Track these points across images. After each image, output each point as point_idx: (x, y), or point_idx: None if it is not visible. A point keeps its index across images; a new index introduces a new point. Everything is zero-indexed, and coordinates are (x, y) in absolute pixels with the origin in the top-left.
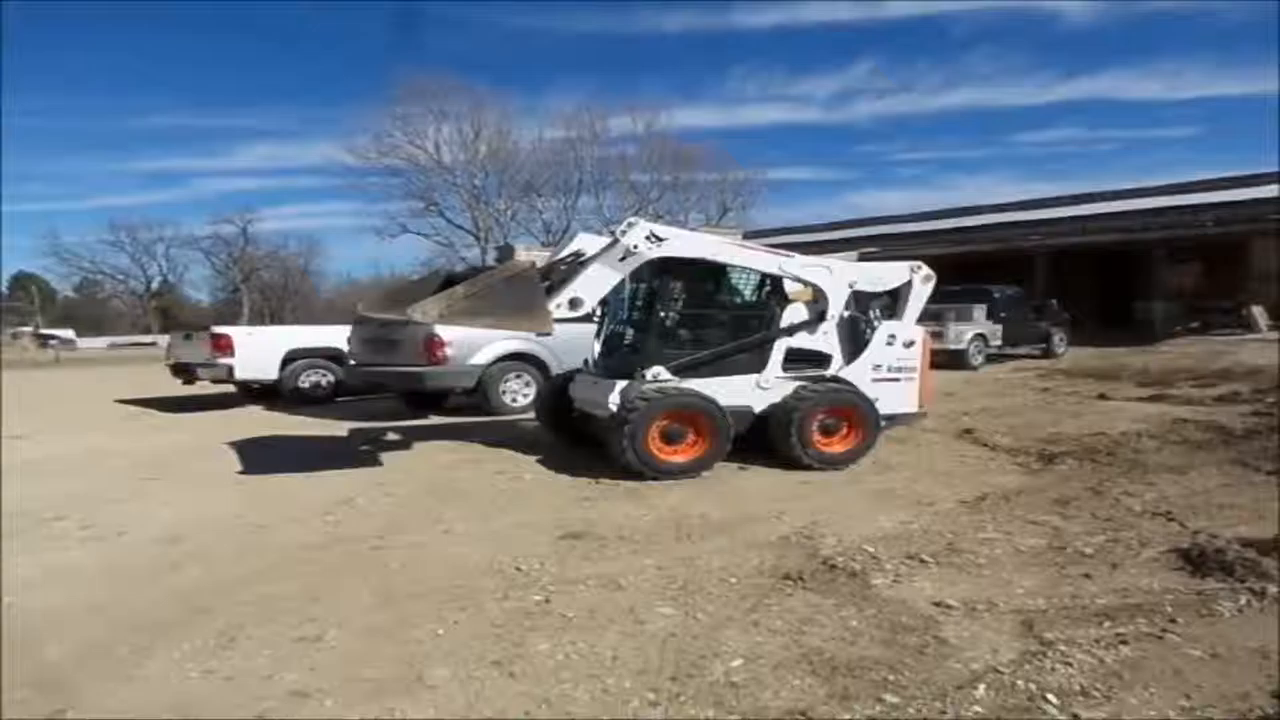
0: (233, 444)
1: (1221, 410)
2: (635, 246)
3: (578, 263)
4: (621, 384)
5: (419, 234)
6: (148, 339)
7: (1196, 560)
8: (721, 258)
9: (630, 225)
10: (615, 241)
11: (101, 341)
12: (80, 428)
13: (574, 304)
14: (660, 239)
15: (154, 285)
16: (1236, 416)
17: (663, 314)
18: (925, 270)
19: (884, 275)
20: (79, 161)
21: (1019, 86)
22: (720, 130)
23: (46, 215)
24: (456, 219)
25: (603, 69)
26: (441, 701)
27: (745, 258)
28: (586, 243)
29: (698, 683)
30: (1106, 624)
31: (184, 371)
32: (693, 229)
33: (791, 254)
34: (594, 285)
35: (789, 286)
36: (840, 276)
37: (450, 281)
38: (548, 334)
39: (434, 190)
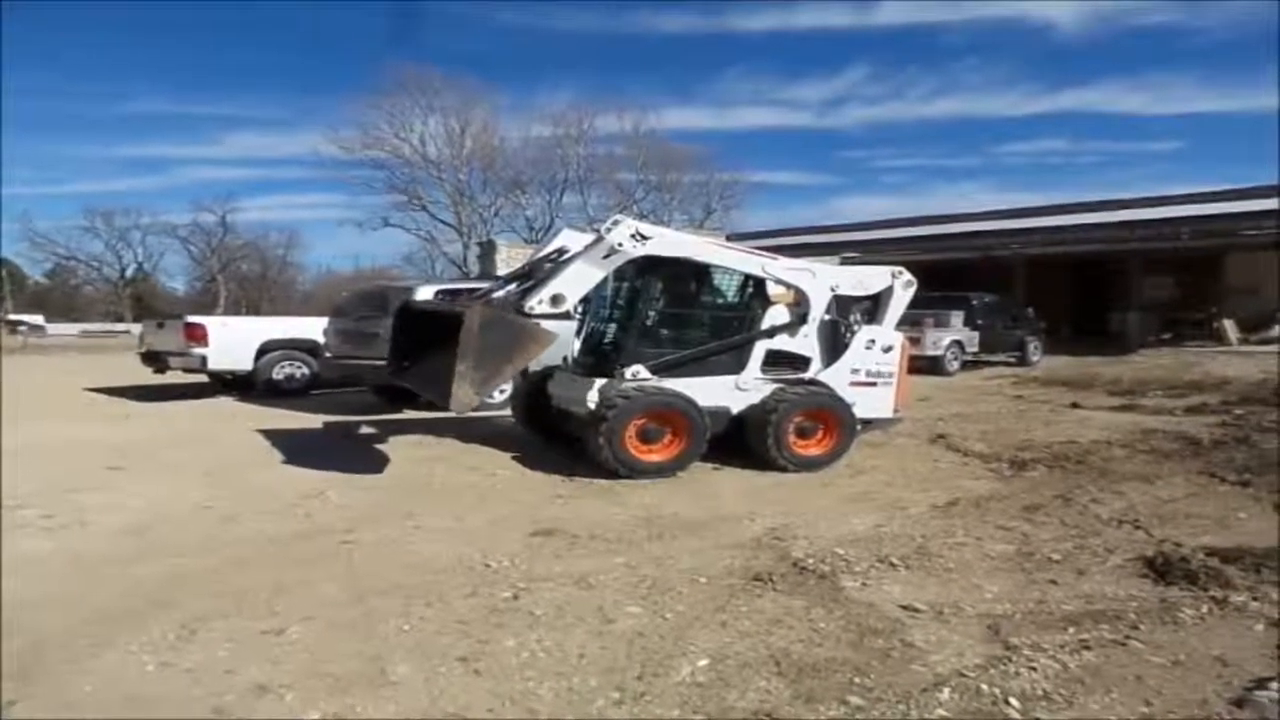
0: (203, 435)
1: (1190, 421)
2: (620, 244)
3: (561, 260)
4: (600, 382)
5: (401, 228)
6: (120, 327)
7: (1161, 568)
8: (706, 258)
9: (615, 223)
10: (600, 239)
11: (73, 328)
12: (45, 416)
13: (556, 301)
14: (645, 237)
15: (129, 272)
16: (1205, 427)
17: (644, 313)
18: (906, 276)
19: (866, 280)
20: (56, 145)
21: (1005, 97)
22: (709, 132)
23: (19, 199)
24: (440, 214)
25: (596, 68)
26: (404, 698)
27: (729, 258)
28: (570, 239)
29: (664, 682)
30: (1071, 630)
31: (156, 360)
32: (677, 230)
33: (775, 256)
34: (577, 282)
35: (771, 289)
36: (823, 280)
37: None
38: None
39: (418, 184)
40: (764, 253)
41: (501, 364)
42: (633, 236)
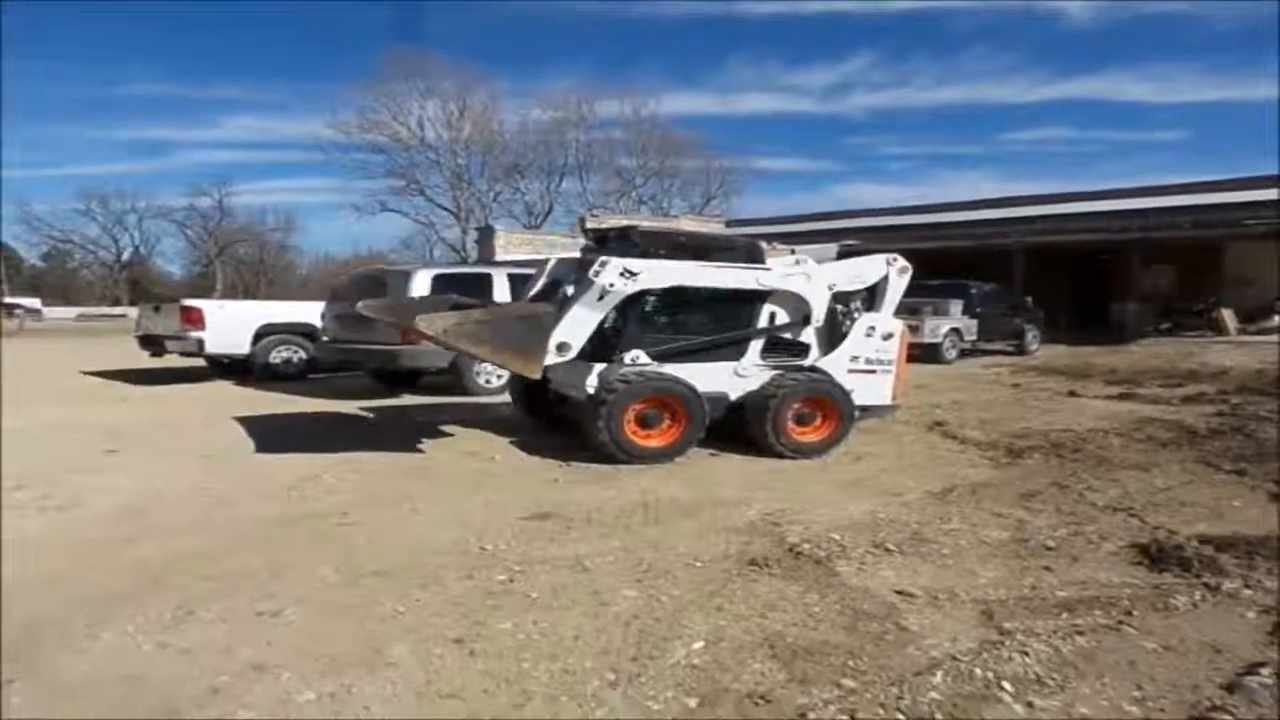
0: (199, 418)
1: (1187, 410)
2: (611, 285)
3: (560, 307)
4: (600, 367)
5: (399, 212)
6: (117, 310)
7: (1155, 555)
8: (698, 282)
9: (603, 265)
10: (590, 281)
11: (69, 312)
12: (42, 399)
13: (561, 349)
14: (634, 274)
15: (125, 256)
16: (1201, 416)
17: (644, 300)
18: (901, 263)
19: (862, 272)
20: (52, 128)
21: (1011, 84)
22: (712, 118)
23: (15, 182)
24: (438, 198)
25: (600, 53)
26: (399, 678)
27: (722, 279)
28: (561, 272)
29: (658, 664)
30: (1064, 615)
31: (153, 344)
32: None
33: (769, 265)
34: (577, 328)
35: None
36: (819, 280)
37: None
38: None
39: (416, 169)
40: (758, 265)
41: (488, 343)
42: (622, 275)
